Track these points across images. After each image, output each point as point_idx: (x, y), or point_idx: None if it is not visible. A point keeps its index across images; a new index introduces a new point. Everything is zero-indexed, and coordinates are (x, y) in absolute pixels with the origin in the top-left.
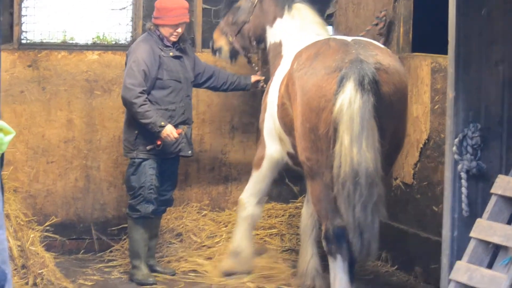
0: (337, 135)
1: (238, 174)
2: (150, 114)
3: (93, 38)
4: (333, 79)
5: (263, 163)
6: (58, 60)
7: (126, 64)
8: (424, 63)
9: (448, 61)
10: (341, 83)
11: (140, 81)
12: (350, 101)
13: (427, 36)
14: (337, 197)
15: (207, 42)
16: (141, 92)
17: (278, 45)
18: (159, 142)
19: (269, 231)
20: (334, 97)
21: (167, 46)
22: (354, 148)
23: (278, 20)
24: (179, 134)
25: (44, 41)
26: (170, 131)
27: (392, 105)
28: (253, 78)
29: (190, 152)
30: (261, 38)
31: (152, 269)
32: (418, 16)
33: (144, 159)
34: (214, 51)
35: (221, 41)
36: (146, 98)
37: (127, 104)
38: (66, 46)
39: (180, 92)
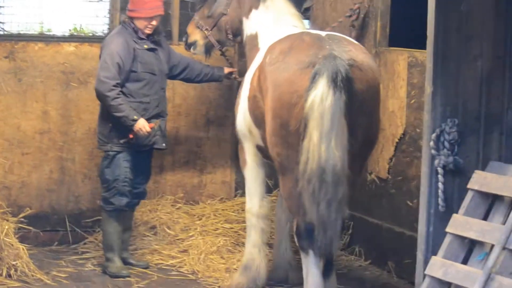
0: (306, 131)
1: (213, 167)
2: (123, 107)
3: (70, 30)
4: (306, 74)
5: (246, 157)
6: (35, 51)
7: (100, 57)
8: (401, 57)
9: (426, 56)
10: (314, 79)
11: (114, 74)
12: (322, 98)
13: (404, 31)
14: (302, 193)
15: (184, 34)
16: (114, 85)
17: (254, 37)
18: (131, 136)
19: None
20: (306, 93)
21: (141, 39)
22: (323, 145)
23: (254, 11)
24: (151, 128)
25: (21, 32)
26: (142, 125)
27: (364, 102)
28: (226, 70)
29: (164, 144)
30: (238, 31)
31: (125, 262)
32: (396, 10)
33: (118, 152)
34: (188, 46)
35: (195, 35)
36: (120, 91)
37: (101, 97)
38: (43, 38)
39: (154, 85)
